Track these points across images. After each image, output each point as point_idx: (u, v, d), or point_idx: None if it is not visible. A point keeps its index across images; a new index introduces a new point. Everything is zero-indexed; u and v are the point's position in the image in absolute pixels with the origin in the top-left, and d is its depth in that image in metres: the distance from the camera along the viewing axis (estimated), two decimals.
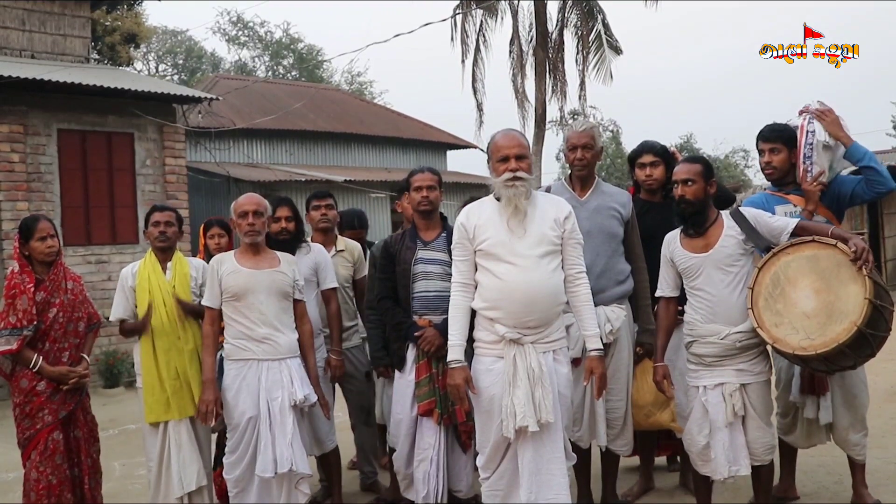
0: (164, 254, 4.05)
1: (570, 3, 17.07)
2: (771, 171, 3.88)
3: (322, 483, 4.67)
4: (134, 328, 3.99)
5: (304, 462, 3.72)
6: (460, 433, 3.79)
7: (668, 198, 4.19)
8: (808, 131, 3.76)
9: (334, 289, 4.29)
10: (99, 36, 15.10)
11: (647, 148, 4.30)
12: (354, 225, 5.09)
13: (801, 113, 3.84)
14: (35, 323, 3.78)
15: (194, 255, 4.86)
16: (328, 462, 4.30)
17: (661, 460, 4.73)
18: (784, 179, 3.88)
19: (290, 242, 4.24)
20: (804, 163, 3.77)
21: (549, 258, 3.22)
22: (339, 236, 4.72)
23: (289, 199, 4.37)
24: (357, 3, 53.12)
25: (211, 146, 13.61)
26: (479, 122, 17.78)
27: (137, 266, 4.06)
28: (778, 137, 3.84)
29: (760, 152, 3.92)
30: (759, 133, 3.92)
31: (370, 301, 4.20)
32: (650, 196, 4.30)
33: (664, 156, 4.27)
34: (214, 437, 4.26)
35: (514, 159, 3.21)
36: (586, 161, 3.91)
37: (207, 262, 4.30)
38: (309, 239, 4.49)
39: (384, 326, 4.07)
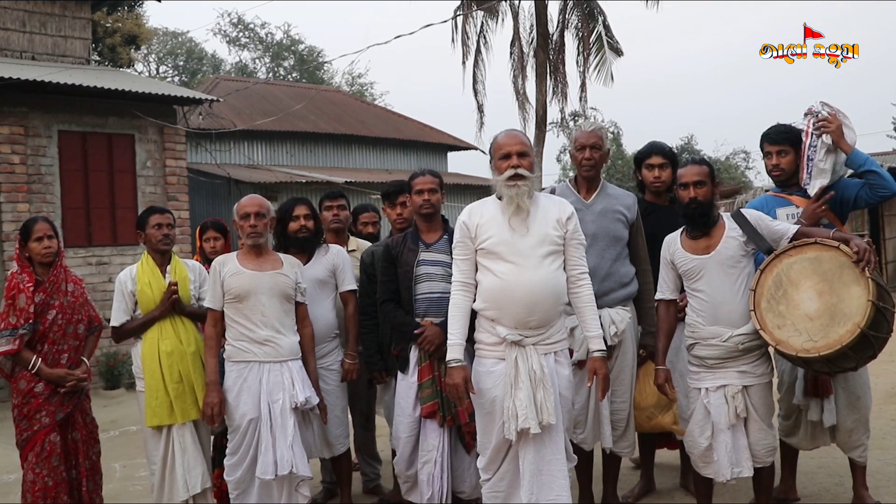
0: (163, 257, 4.03)
1: (570, 4, 17.06)
2: (779, 172, 3.87)
3: (323, 484, 4.67)
4: (146, 321, 3.91)
5: (304, 464, 3.72)
6: (464, 434, 3.77)
7: (673, 200, 4.18)
8: (812, 134, 3.75)
9: (353, 290, 4.22)
10: (99, 37, 15.13)
11: (656, 149, 4.26)
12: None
13: (805, 115, 3.84)
14: (31, 322, 3.77)
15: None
16: (339, 464, 4.28)
17: (663, 460, 4.72)
18: (789, 181, 3.88)
19: (310, 240, 4.20)
20: (807, 165, 3.76)
21: (552, 258, 3.21)
22: (350, 237, 4.71)
23: (306, 198, 4.35)
24: (357, 3, 53.25)
25: (211, 148, 13.61)
26: (479, 124, 17.73)
27: (135, 270, 4.00)
28: (785, 139, 3.84)
29: (767, 154, 3.90)
30: (765, 135, 3.91)
31: (363, 306, 4.17)
32: (655, 198, 4.28)
33: (672, 158, 4.25)
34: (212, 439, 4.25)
35: (515, 156, 3.21)
36: (594, 161, 3.89)
37: (203, 265, 4.30)
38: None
39: (377, 331, 4.07)
